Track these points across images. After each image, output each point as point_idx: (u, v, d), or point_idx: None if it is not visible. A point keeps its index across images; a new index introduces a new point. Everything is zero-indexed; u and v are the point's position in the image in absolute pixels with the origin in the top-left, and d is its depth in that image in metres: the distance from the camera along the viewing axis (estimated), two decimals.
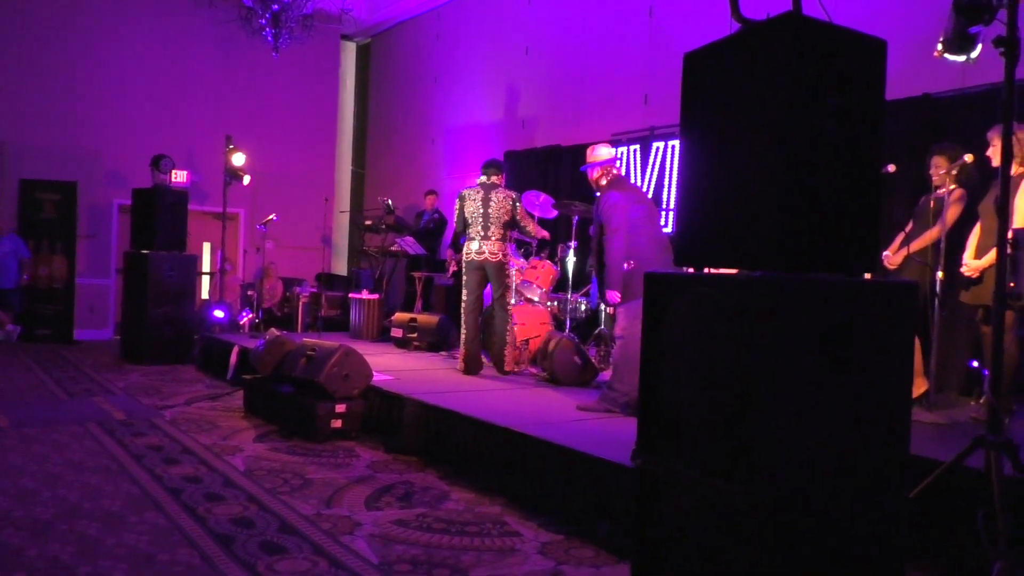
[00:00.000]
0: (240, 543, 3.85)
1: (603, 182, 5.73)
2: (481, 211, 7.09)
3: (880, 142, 2.98)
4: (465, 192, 7.24)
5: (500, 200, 7.10)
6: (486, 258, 7.09)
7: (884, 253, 5.49)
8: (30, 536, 3.83)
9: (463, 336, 7.24)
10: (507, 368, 7.17)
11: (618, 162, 5.85)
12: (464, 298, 7.24)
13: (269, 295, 11.75)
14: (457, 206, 7.29)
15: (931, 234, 5.15)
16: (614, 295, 5.47)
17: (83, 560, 3.58)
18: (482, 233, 7.09)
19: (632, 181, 8.29)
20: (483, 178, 7.23)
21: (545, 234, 7.53)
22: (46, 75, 11.78)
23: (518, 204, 7.20)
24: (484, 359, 7.41)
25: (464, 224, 7.23)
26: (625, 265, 5.41)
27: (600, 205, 5.58)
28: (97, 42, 12.12)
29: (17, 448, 5.43)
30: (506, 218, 7.11)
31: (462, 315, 7.24)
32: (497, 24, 11.31)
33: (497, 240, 7.09)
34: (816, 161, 2.83)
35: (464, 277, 7.25)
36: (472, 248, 7.15)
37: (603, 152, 5.80)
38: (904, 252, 5.30)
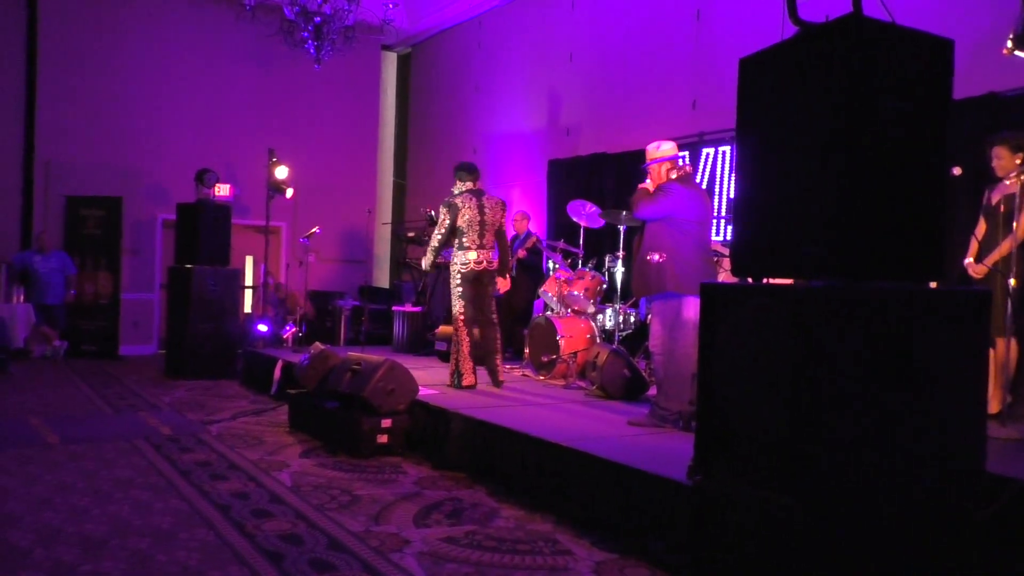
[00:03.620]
0: (290, 560, 3.81)
1: (672, 175, 5.46)
2: (479, 219, 6.87)
3: (946, 145, 2.88)
4: (455, 200, 6.94)
5: (493, 206, 6.96)
6: (485, 267, 6.91)
7: (966, 261, 5.28)
8: (83, 552, 3.82)
9: (467, 348, 6.97)
10: (501, 379, 7.08)
11: (680, 160, 5.65)
12: (462, 311, 6.93)
13: (291, 307, 11.65)
14: (447, 216, 6.93)
15: (1006, 246, 4.96)
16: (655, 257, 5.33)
17: None
18: (478, 242, 6.88)
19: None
20: (468, 184, 7.00)
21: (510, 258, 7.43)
22: (89, 92, 11.93)
23: (506, 210, 7.12)
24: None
25: (452, 234, 6.97)
26: (657, 256, 5.29)
27: (661, 194, 5.38)
28: (139, 58, 12.27)
29: (66, 464, 5.45)
30: (497, 224, 6.97)
31: (461, 327, 6.95)
32: (539, 31, 11.25)
33: (491, 248, 6.96)
34: (879, 166, 2.74)
35: (460, 288, 6.94)
36: (470, 258, 6.87)
37: (667, 148, 5.53)
38: (988, 261, 5.11)
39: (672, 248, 5.25)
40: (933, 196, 2.83)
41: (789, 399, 2.72)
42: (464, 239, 6.90)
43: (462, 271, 6.92)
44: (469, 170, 7.09)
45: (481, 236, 6.88)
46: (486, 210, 6.90)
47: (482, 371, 7.15)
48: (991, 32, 5.74)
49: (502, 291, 7.38)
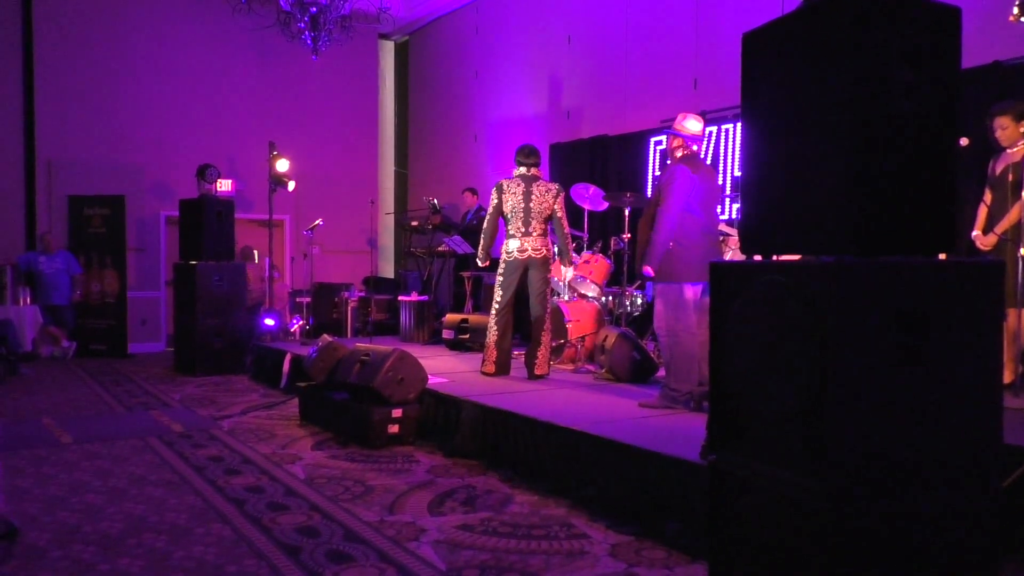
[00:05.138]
0: (307, 552, 3.81)
1: (678, 154, 5.47)
2: (523, 205, 6.69)
3: (956, 116, 2.84)
4: (504, 183, 6.81)
5: (542, 193, 6.72)
6: (530, 256, 6.69)
7: (974, 233, 5.27)
8: (100, 551, 3.83)
9: (493, 337, 6.88)
10: (538, 372, 6.76)
11: (704, 144, 5.59)
12: (498, 299, 6.83)
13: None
14: (494, 199, 6.83)
15: (1015, 212, 4.96)
16: (649, 270, 5.30)
17: (153, 574, 3.57)
18: (523, 229, 6.69)
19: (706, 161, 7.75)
20: (522, 169, 6.80)
21: (570, 245, 7.08)
22: (87, 91, 11.92)
23: (560, 197, 6.79)
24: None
25: (499, 218, 6.84)
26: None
27: (666, 176, 5.36)
28: (138, 55, 12.24)
29: (80, 464, 5.46)
30: (547, 212, 6.72)
31: (492, 316, 6.87)
32: (537, 14, 11.20)
33: (539, 235, 6.72)
34: (888, 139, 2.70)
35: (501, 277, 6.83)
36: (512, 247, 6.73)
37: (690, 125, 5.46)
38: (995, 234, 5.09)
39: (679, 235, 5.24)
40: (943, 167, 2.80)
41: (803, 376, 2.70)
42: (509, 227, 6.79)
43: (505, 260, 6.80)
44: (526, 154, 6.86)
45: (526, 224, 6.69)
46: (533, 196, 6.69)
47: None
48: (995, 0, 5.69)
49: (559, 279, 7.23)
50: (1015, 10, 3.60)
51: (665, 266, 5.28)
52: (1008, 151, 5.07)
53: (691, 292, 5.29)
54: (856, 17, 2.67)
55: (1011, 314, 4.91)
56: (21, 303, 10.41)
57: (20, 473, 5.20)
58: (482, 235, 7.02)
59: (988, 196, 5.23)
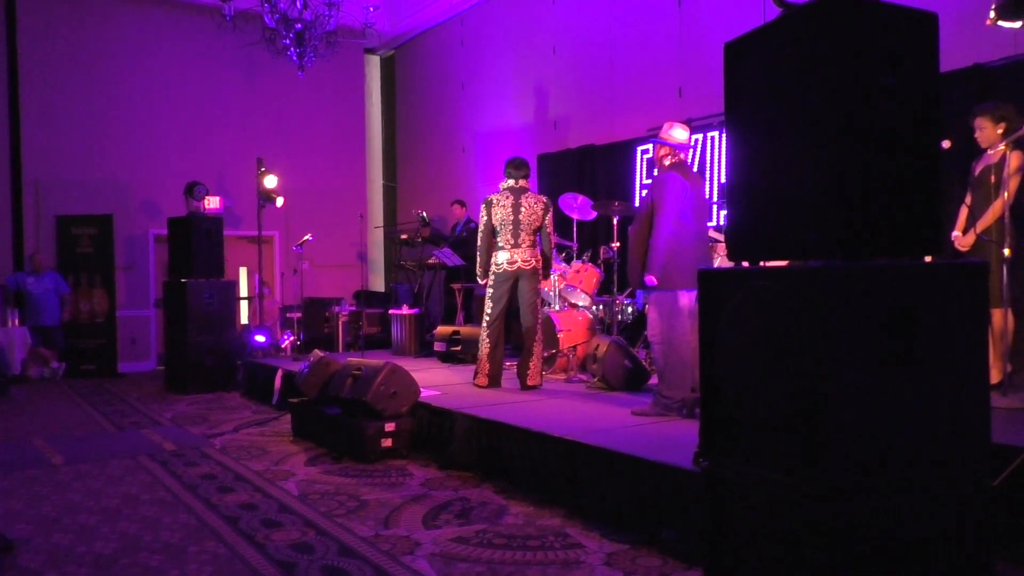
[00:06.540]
0: (302, 569, 3.80)
1: (667, 162, 5.50)
2: (512, 218, 6.71)
3: (937, 119, 2.88)
4: (492, 198, 6.83)
5: (531, 205, 6.76)
6: (520, 267, 6.71)
7: (953, 234, 5.32)
8: (94, 572, 3.81)
9: (485, 350, 6.85)
10: (530, 383, 6.76)
11: (691, 152, 5.63)
12: (488, 311, 6.82)
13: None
14: (484, 215, 6.85)
15: (995, 210, 5.00)
16: (652, 279, 5.30)
17: None
18: (512, 241, 6.71)
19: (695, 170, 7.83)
20: (510, 181, 6.82)
21: (555, 257, 7.05)
22: (75, 110, 11.91)
23: (550, 210, 6.83)
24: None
25: (491, 233, 6.87)
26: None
27: (658, 184, 5.39)
28: (124, 74, 12.23)
29: (73, 484, 5.43)
30: (536, 224, 6.76)
31: (484, 328, 6.85)
32: (522, 26, 11.25)
33: (528, 247, 6.75)
34: (872, 143, 2.73)
35: (491, 289, 6.83)
36: (502, 259, 6.75)
37: (677, 134, 5.50)
38: (974, 233, 5.14)
39: (674, 243, 5.26)
40: (928, 170, 2.83)
41: (797, 379, 2.71)
42: (499, 239, 6.80)
43: (495, 272, 6.80)
44: (516, 166, 6.87)
45: (516, 236, 6.71)
46: (522, 208, 6.72)
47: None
48: (973, 3, 5.75)
49: (549, 289, 7.25)
50: (992, 14, 3.65)
51: (659, 274, 5.30)
52: (988, 152, 5.13)
53: (686, 299, 5.29)
54: (836, 25, 2.71)
55: (996, 314, 4.94)
56: (10, 324, 10.36)
57: (12, 495, 5.18)
58: (478, 253, 7.00)
59: (969, 197, 5.28)
